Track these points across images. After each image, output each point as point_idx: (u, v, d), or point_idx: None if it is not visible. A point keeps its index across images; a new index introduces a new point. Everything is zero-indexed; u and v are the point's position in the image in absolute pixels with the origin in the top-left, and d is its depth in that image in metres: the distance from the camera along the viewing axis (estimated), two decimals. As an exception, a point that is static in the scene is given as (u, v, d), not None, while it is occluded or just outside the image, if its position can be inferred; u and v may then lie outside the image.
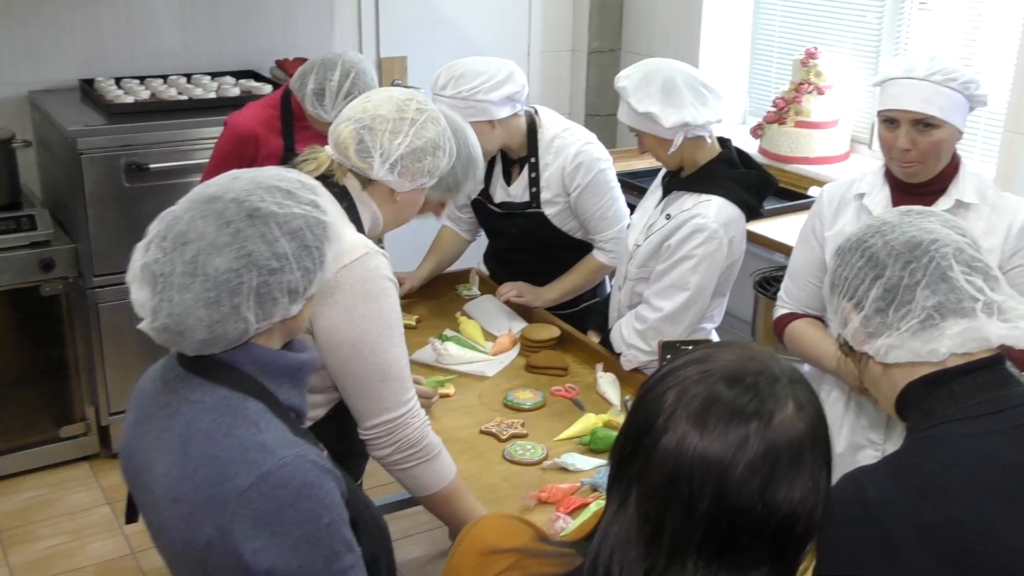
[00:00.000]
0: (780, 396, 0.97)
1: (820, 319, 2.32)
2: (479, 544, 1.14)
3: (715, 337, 2.58)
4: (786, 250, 3.53)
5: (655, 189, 2.55)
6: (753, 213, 2.43)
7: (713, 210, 2.33)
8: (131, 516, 1.97)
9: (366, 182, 1.88)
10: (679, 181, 2.43)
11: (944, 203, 2.08)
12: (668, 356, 1.35)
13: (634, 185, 4.04)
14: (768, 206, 3.80)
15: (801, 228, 2.34)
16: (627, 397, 1.59)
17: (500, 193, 2.80)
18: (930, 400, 1.29)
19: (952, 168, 2.11)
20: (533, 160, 2.70)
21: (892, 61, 2.13)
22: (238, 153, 2.84)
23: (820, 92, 4.12)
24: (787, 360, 1.03)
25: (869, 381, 1.40)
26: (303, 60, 4.10)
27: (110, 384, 3.56)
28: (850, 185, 2.24)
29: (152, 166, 3.39)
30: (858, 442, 2.22)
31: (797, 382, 1.00)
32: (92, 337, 3.50)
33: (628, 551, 0.98)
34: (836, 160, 4.16)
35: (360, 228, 1.86)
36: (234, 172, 1.41)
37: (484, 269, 3.07)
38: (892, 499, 1.22)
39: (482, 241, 3.08)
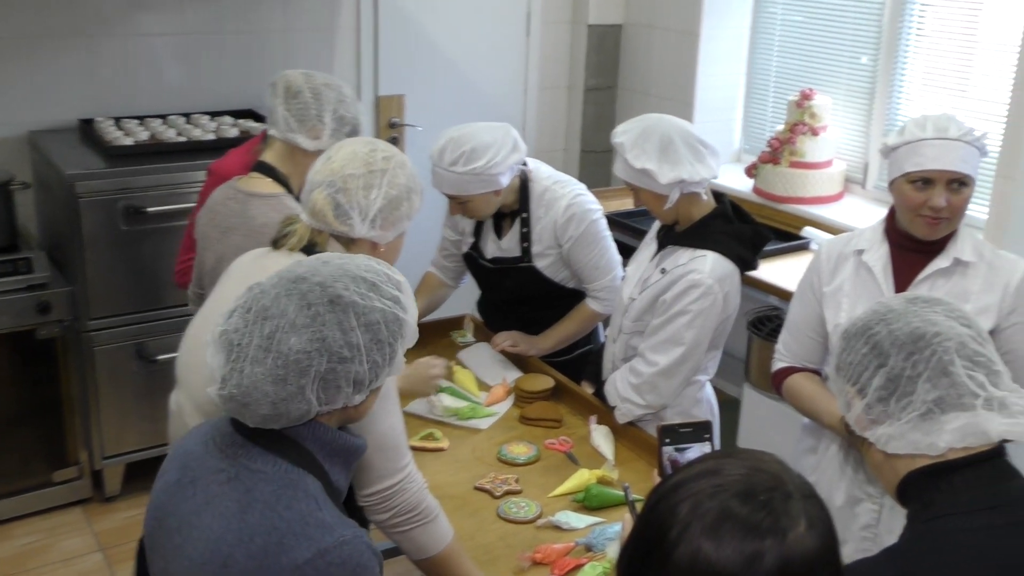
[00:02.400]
0: (793, 513, 0.98)
1: (818, 372, 2.34)
2: None
3: (709, 390, 2.59)
4: (779, 292, 3.54)
5: (650, 242, 2.56)
6: (748, 267, 2.44)
7: (708, 265, 2.34)
8: None
9: (348, 242, 1.89)
10: (674, 236, 2.44)
11: (942, 262, 2.11)
12: (667, 440, 1.35)
13: (628, 225, 4.07)
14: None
15: (799, 283, 2.36)
16: (627, 484, 1.61)
17: (491, 247, 2.81)
18: (931, 492, 1.30)
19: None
20: (524, 215, 2.71)
21: (908, 124, 2.16)
22: None
23: (814, 133, 4.14)
24: (797, 474, 1.04)
25: (871, 465, 1.41)
26: (300, 100, 4.14)
27: (104, 428, 3.55)
28: (848, 240, 2.26)
29: (149, 209, 3.40)
30: (856, 495, 2.23)
31: (809, 497, 1.01)
32: (87, 380, 3.50)
33: None
34: (830, 200, 4.19)
35: None
36: (326, 256, 1.46)
37: (478, 315, 3.08)
38: None
39: (473, 286, 3.08)
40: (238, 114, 4.06)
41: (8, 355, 3.41)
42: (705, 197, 2.42)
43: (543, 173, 2.74)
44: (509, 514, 2.15)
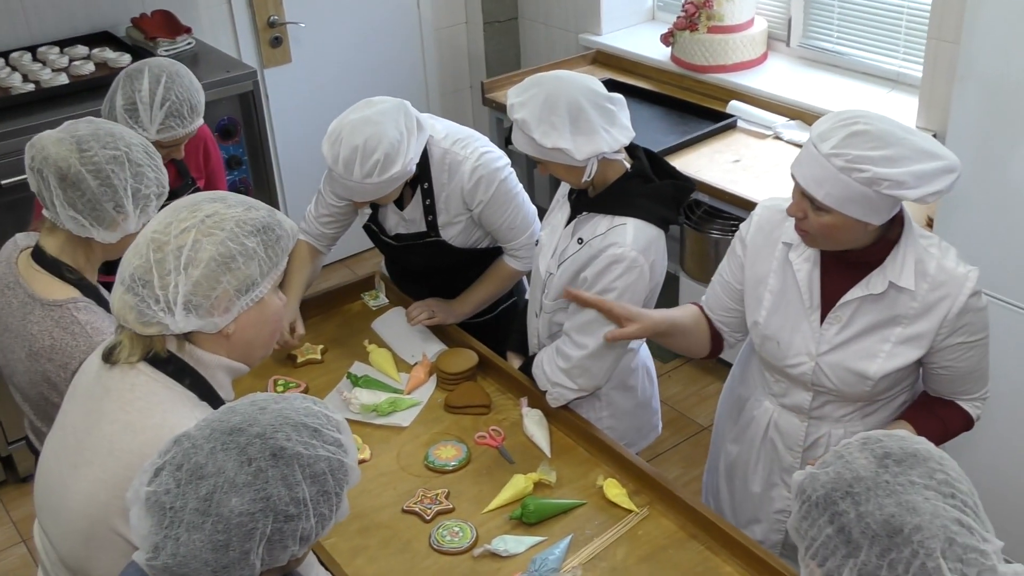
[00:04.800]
0: None
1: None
2: None
3: (644, 353, 2.41)
4: (707, 190, 3.31)
5: (561, 203, 2.30)
6: (671, 223, 2.21)
7: (630, 236, 2.10)
8: None
9: (182, 339, 1.55)
10: (588, 201, 2.18)
11: (876, 284, 1.83)
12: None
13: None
14: (686, 134, 3.58)
15: (732, 241, 2.12)
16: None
17: (393, 220, 2.51)
18: None
19: (886, 242, 1.83)
20: (427, 185, 2.41)
21: (828, 115, 1.80)
22: None
23: (732, -7, 3.81)
24: None
25: None
26: (165, 14, 3.68)
27: (3, 411, 3.31)
28: (782, 220, 1.97)
29: (3, 182, 3.02)
30: (772, 480, 2.13)
31: None
32: (-27, 369, 3.21)
33: None
34: (753, 64, 3.91)
35: (218, 400, 1.57)
36: (261, 400, 1.31)
37: (386, 272, 2.82)
38: None
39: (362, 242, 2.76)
40: (91, 40, 3.59)
41: None
42: (620, 155, 2.15)
43: (439, 133, 2.41)
44: (443, 544, 1.98)
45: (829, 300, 1.92)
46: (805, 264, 1.92)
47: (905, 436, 1.21)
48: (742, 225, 2.10)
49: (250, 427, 1.25)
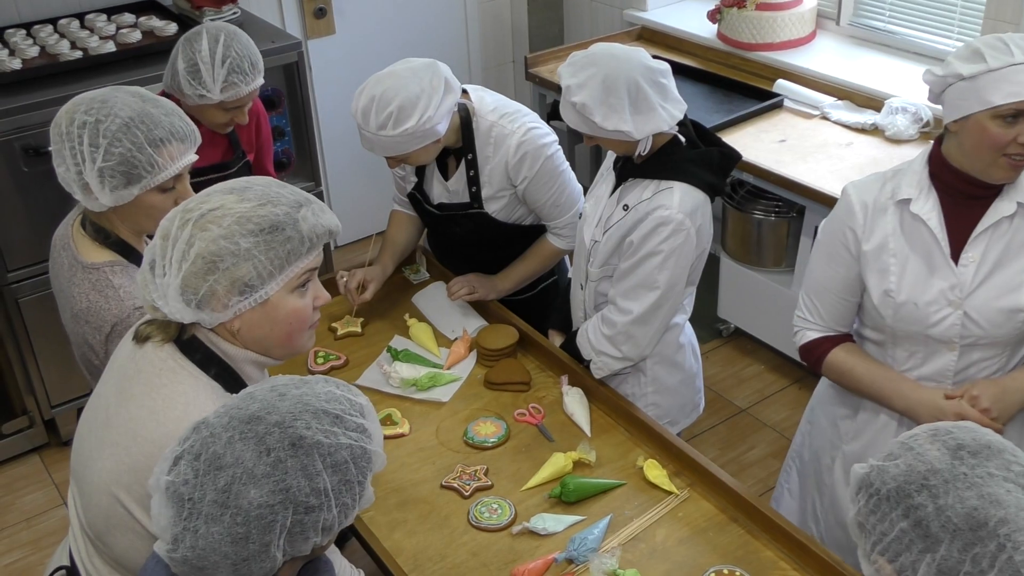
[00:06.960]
0: None
1: (850, 336, 2.08)
2: None
3: (689, 331, 2.39)
4: (752, 169, 3.26)
5: (606, 175, 2.28)
6: (717, 192, 2.18)
7: (676, 199, 2.08)
8: None
9: (207, 329, 1.53)
10: (634, 167, 2.16)
11: (1005, 207, 1.84)
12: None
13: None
14: (731, 112, 3.53)
15: (824, 236, 2.04)
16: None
17: (438, 189, 2.50)
18: None
19: None
20: (471, 156, 2.39)
21: (980, 48, 1.79)
22: None
23: (782, -31, 3.74)
24: None
25: None
26: (208, -17, 3.67)
27: (47, 376, 3.35)
28: (881, 186, 1.95)
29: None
30: None
31: None
32: (18, 333, 3.25)
33: None
34: (801, 43, 3.85)
35: (238, 386, 1.53)
36: (281, 385, 1.28)
37: (429, 249, 2.82)
38: None
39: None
40: (138, 8, 3.60)
41: (-71, 317, 3.16)
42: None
43: (487, 106, 2.39)
44: (481, 520, 1.98)
45: (957, 246, 1.89)
46: (932, 213, 1.89)
47: (974, 427, 1.18)
48: (833, 217, 2.01)
49: (269, 415, 1.22)
